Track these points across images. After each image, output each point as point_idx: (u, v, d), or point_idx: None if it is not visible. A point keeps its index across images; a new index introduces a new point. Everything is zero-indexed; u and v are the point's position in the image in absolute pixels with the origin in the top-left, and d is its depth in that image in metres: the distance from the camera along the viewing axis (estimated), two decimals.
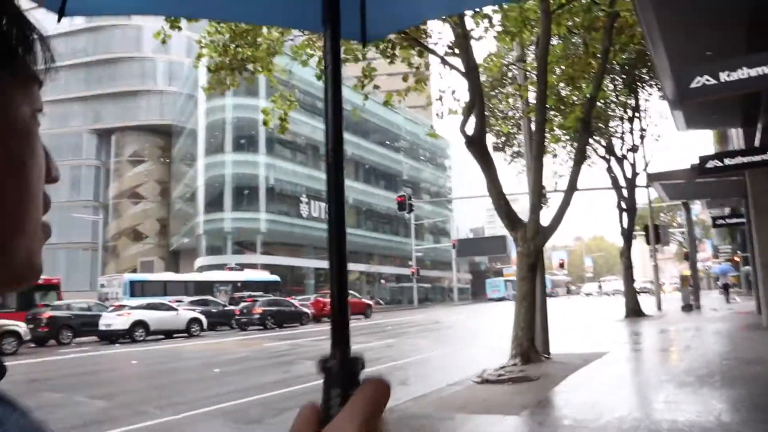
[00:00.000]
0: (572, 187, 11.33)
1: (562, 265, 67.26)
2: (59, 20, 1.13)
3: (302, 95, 57.31)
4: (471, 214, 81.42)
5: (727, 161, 15.16)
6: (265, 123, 12.96)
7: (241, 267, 42.11)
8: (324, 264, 56.06)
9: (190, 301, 28.30)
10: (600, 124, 23.04)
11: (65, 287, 40.59)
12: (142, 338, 22.89)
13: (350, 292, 34.66)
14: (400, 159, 67.67)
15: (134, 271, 51.80)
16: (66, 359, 17.91)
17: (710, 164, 15.17)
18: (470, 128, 11.22)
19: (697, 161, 14.31)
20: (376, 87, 9.60)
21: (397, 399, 9.39)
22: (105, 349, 20.67)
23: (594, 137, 24.00)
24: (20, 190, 0.45)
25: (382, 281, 60.48)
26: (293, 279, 54.07)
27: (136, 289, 32.33)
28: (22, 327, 20.65)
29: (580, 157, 11.29)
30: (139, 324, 23.15)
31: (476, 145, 11.16)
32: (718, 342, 14.53)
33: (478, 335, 20.57)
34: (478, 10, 10.41)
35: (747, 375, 9.26)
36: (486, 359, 11.74)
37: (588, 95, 11.27)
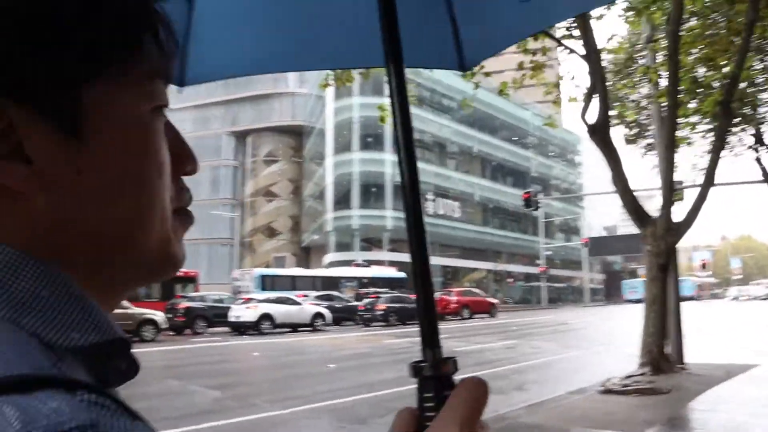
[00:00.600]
0: (710, 180, 10.16)
1: (704, 266, 62.23)
2: (180, 90, 1.18)
3: (428, 93, 57.43)
4: (604, 211, 77.60)
5: None
6: (381, 119, 12.79)
7: (368, 264, 42.71)
8: (453, 262, 56.12)
9: (316, 296, 28.96)
10: (746, 110, 20.82)
11: (206, 280, 43.12)
12: (268, 330, 23.67)
13: (475, 290, 34.12)
14: (529, 155, 65.75)
15: (268, 265, 54.14)
16: (195, 348, 18.85)
17: None
18: (593, 116, 10.41)
19: None
20: (487, 75, 9.08)
21: (510, 405, 8.86)
22: (233, 340, 21.56)
23: (740, 124, 21.76)
24: (139, 186, 0.46)
25: (510, 280, 59.03)
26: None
27: (266, 283, 33.60)
28: (160, 316, 21.99)
29: (719, 146, 10.07)
30: (266, 317, 23.93)
31: (599, 133, 10.31)
32: None
33: (609, 339, 19.26)
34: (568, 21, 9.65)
35: None
36: (615, 366, 10.84)
37: (729, 75, 10.04)
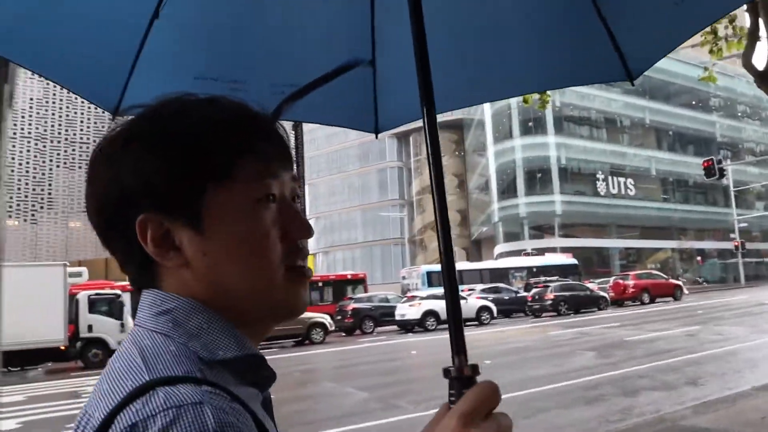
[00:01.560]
0: None
1: None
2: (113, 118, 1.34)
3: None
4: None
5: None
6: (525, 101, 12.05)
7: (539, 252, 41.17)
8: (633, 243, 52.37)
9: (482, 289, 28.29)
10: None
11: (379, 280, 44.16)
12: (433, 327, 23.47)
13: (655, 272, 31.51)
14: (713, 119, 59.57)
15: (437, 262, 54.20)
16: (358, 348, 19.13)
17: None
18: (761, 60, 8.80)
19: None
20: None
21: (678, 403, 7.75)
22: (398, 338, 21.65)
23: None
24: (244, 258, 0.66)
25: (698, 258, 53.84)
26: (599, 260, 51.24)
27: (433, 279, 33.54)
28: (327, 319, 22.72)
29: None
30: (430, 314, 23.76)
31: None
32: None
33: None
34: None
35: None
36: None
37: None
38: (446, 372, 0.67)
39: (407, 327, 24.40)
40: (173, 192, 0.65)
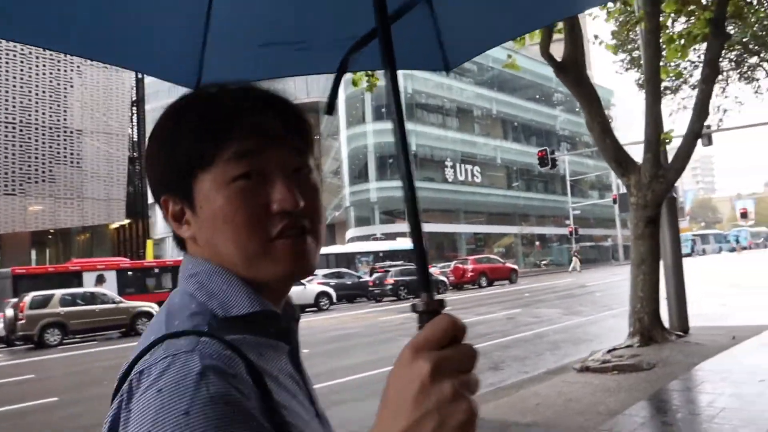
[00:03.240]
0: (702, 113, 8.58)
1: (744, 215, 59.14)
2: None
3: None
4: None
5: None
6: (354, 83, 11.59)
7: (390, 237, 41.47)
8: (479, 228, 54.58)
9: (324, 275, 27.87)
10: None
11: None
12: (326, 307, 23.06)
13: (494, 257, 32.68)
14: (555, 113, 63.34)
15: None
16: None
17: None
18: (562, 50, 8.92)
19: None
20: None
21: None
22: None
23: (764, 56, 19.70)
24: (225, 230, 0.75)
25: (537, 243, 57.22)
26: (449, 245, 52.82)
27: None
28: (155, 308, 21.28)
29: (711, 73, 8.46)
30: (323, 294, 23.35)
31: (569, 71, 8.83)
32: None
33: (626, 302, 17.73)
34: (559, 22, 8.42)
35: None
36: (619, 335, 9.42)
37: None
38: (413, 307, 0.68)
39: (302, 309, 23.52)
40: (174, 178, 0.77)
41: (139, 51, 1.44)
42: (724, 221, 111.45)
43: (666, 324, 9.70)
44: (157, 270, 29.13)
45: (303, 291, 24.07)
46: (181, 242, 0.81)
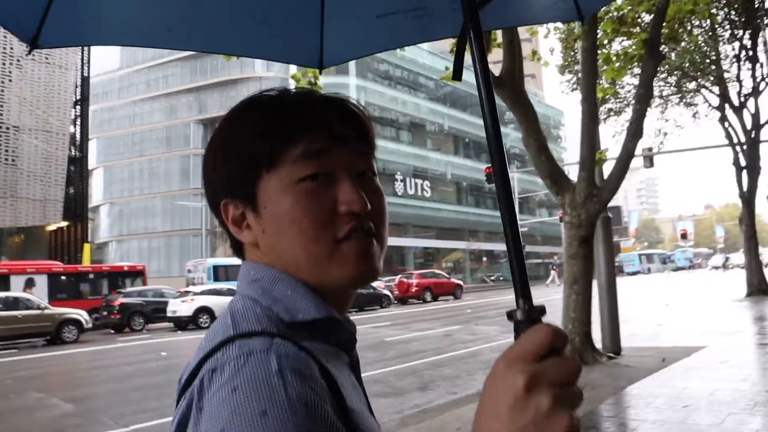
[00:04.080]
0: (636, 133, 8.53)
1: (684, 236, 60.71)
2: (30, 52, 1.28)
3: (406, 73, 55.58)
4: None
5: None
6: (295, 79, 11.36)
7: None
8: (428, 243, 54.54)
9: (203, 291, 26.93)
10: (708, 64, 19.22)
11: (177, 273, 41.11)
12: (206, 325, 22.01)
13: (439, 272, 32.57)
14: (506, 131, 64.14)
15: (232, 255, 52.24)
16: (110, 349, 17.23)
17: None
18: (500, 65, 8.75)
19: None
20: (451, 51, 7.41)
21: (397, 412, 7.31)
22: (166, 337, 19.92)
23: (702, 82, 20.17)
24: (290, 231, 0.74)
25: (484, 259, 57.63)
26: (397, 259, 52.64)
27: (219, 273, 31.87)
28: (83, 315, 20.39)
29: (646, 94, 8.43)
30: (204, 310, 22.31)
31: (506, 86, 8.66)
32: None
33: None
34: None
35: None
36: None
37: (655, 9, 8.34)
38: (509, 315, 0.66)
39: (180, 324, 22.71)
40: (235, 180, 0.76)
41: (260, 39, 1.44)
42: (666, 241, 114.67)
43: (599, 345, 9.62)
44: (92, 275, 28.00)
45: (185, 305, 23.11)
46: (238, 248, 0.80)
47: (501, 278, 55.96)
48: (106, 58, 71.29)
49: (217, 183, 0.79)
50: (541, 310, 0.65)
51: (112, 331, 23.30)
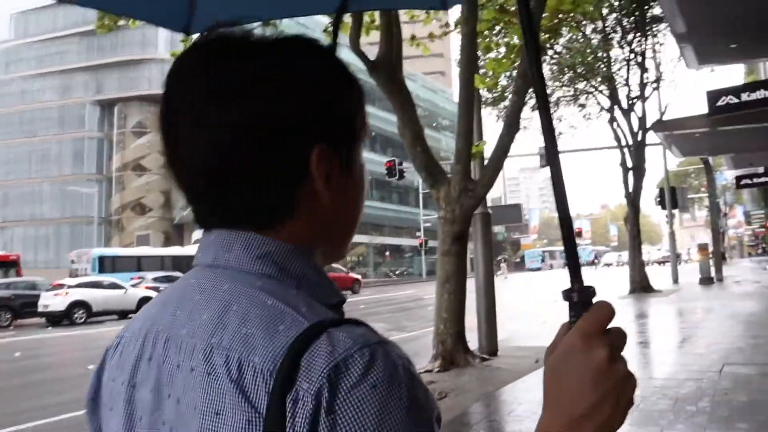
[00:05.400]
0: (513, 125, 8.22)
1: (579, 234, 63.24)
2: (187, 36, 1.39)
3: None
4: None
5: (746, 96, 11.86)
6: None
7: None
8: (375, 239, 53.81)
9: (154, 278, 25.73)
10: (599, 66, 19.59)
11: (66, 263, 38.39)
12: (82, 320, 20.49)
13: (335, 266, 31.95)
14: (434, 135, 64.42)
15: (135, 245, 49.86)
16: None
17: (722, 101, 11.87)
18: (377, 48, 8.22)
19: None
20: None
21: None
22: (30, 334, 18.29)
23: (593, 83, 20.58)
24: (360, 202, 0.73)
25: (387, 254, 57.72)
26: None
27: (105, 265, 30.07)
28: None
29: (523, 85, 8.12)
30: (80, 305, 20.75)
31: (381, 71, 8.14)
32: (732, 329, 11.33)
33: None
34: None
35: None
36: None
37: None
38: (566, 295, 0.71)
39: (52, 320, 21.04)
40: (346, 130, 0.70)
41: None
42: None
43: (476, 345, 9.31)
44: None
45: (123, 296, 21.99)
46: (262, 209, 0.67)
47: (406, 273, 56.21)
48: None
49: (305, 120, 0.66)
50: (593, 290, 0.70)
51: None
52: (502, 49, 9.10)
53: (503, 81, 17.54)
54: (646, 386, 6.62)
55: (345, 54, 0.93)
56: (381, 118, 59.17)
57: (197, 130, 0.66)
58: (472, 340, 9.30)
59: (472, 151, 8.35)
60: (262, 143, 0.64)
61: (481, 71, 9.48)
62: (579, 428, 0.63)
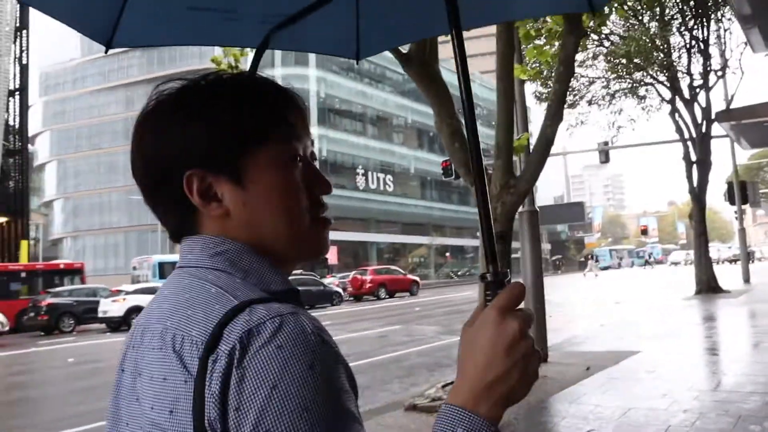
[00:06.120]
0: (556, 116, 7.66)
1: (644, 232, 60.87)
2: (106, 51, 1.47)
3: (372, 66, 54.47)
4: (554, 181, 76.03)
5: None
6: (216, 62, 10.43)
7: None
8: (392, 238, 53.63)
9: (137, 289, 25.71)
10: (657, 53, 18.59)
11: (130, 271, 39.43)
12: None
13: (393, 268, 31.65)
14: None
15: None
16: (17, 355, 15.96)
17: None
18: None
19: None
20: None
21: None
22: (92, 339, 18.73)
23: (651, 72, 19.56)
24: (279, 208, 0.78)
25: (447, 254, 57.01)
26: (363, 254, 51.69)
27: (166, 271, 30.57)
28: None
29: (565, 72, 7.55)
30: (137, 310, 21.08)
31: (414, 64, 7.74)
32: None
33: None
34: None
35: None
36: None
37: None
38: (482, 276, 0.79)
39: (112, 325, 21.51)
40: (217, 153, 0.76)
41: (299, 32, 1.51)
42: (631, 237, 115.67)
43: None
44: (24, 274, 26.50)
45: (116, 305, 22.03)
46: (186, 223, 0.79)
47: (468, 273, 55.39)
48: (66, 48, 69.01)
49: (181, 152, 0.77)
50: (506, 273, 0.79)
51: (42, 333, 22.02)
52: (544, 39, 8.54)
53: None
54: (706, 400, 6.00)
55: None
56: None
57: (135, 174, 0.81)
58: None
59: (514, 145, 7.85)
60: (159, 180, 0.78)
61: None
62: (489, 393, 0.70)
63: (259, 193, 0.77)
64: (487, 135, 63.08)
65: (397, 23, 1.67)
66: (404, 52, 7.79)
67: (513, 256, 8.52)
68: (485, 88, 62.76)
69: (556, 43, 8.38)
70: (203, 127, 0.76)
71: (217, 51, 12.13)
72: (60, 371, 12.60)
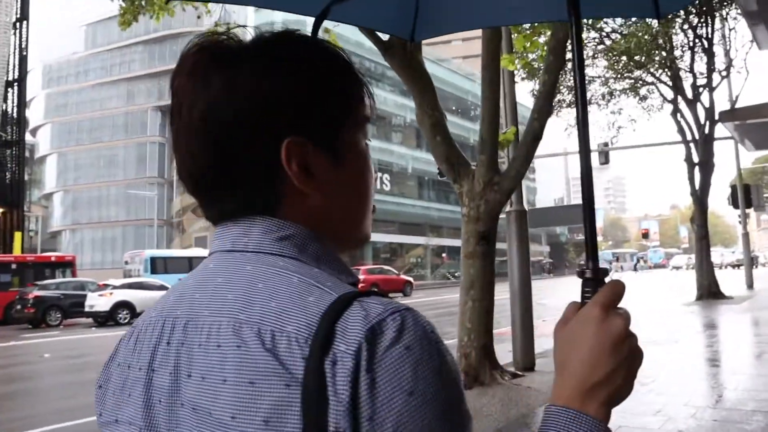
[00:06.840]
0: (544, 109, 7.19)
1: (645, 235, 60.15)
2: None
3: (371, 64, 53.96)
4: (554, 183, 75.51)
5: None
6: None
7: None
8: (389, 238, 53.15)
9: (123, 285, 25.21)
10: (658, 50, 18.08)
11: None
12: (126, 321, 20.41)
13: (387, 268, 31.19)
14: (471, 127, 63.02)
15: (194, 246, 50.51)
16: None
17: None
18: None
19: None
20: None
21: None
22: (76, 334, 18.30)
23: (652, 71, 19.05)
24: (364, 191, 0.74)
25: (444, 255, 56.54)
26: (360, 253, 51.27)
27: (157, 266, 30.24)
28: None
29: (554, 63, 7.09)
30: (123, 305, 20.71)
31: (398, 54, 7.29)
32: None
33: (507, 322, 16.45)
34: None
35: None
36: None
37: None
38: (581, 273, 0.77)
39: (99, 320, 21.10)
40: (323, 119, 0.69)
41: (359, 6, 1.52)
42: (632, 240, 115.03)
43: (510, 359, 8.36)
44: (14, 266, 26.01)
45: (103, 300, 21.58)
46: (256, 199, 0.69)
47: (449, 277, 54.83)
48: (70, 41, 68.75)
49: (278, 113, 0.67)
50: (605, 270, 0.77)
51: (30, 326, 21.64)
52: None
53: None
54: (703, 418, 5.52)
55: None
56: None
57: (194, 129, 0.68)
58: (506, 353, 8.38)
59: (500, 139, 7.38)
60: (240, 141, 0.66)
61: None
62: (593, 394, 0.66)
63: (351, 174, 0.72)
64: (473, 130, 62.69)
65: (457, 8, 1.66)
66: (385, 40, 7.34)
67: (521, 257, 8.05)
68: (465, 79, 62.25)
69: (549, 32, 7.90)
70: (309, 87, 0.68)
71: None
72: (35, 367, 12.17)
